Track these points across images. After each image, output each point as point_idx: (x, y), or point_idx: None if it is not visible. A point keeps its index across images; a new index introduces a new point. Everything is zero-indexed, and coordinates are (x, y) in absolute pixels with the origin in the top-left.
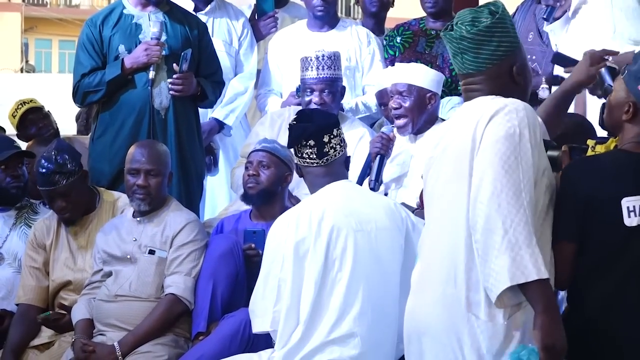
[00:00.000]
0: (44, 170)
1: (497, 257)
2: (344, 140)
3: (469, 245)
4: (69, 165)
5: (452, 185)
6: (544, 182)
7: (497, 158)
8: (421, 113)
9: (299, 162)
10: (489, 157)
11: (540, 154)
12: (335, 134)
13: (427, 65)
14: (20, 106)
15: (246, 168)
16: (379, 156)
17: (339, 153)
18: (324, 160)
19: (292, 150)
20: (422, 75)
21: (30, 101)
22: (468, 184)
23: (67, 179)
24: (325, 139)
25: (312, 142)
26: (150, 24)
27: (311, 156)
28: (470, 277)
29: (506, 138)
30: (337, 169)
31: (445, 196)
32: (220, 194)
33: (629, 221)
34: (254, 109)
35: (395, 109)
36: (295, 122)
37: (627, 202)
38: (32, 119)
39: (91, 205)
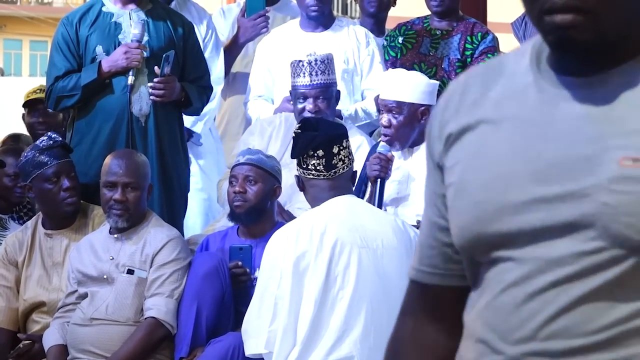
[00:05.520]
0: (50, 143)
1: None
2: (351, 153)
3: None
4: (68, 147)
5: None
6: None
7: None
8: (412, 129)
9: (302, 174)
10: None
11: None
12: (344, 146)
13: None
14: (37, 91)
15: (231, 183)
16: (379, 180)
17: (347, 167)
18: (332, 173)
19: (295, 160)
20: (413, 90)
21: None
22: None
23: (69, 157)
24: (335, 150)
25: (320, 153)
26: (131, 23)
27: (318, 167)
28: None
29: None
30: (344, 183)
31: None
32: (193, 209)
33: None
34: (241, 117)
35: (385, 127)
36: (300, 131)
37: None
38: (39, 109)
39: (69, 219)
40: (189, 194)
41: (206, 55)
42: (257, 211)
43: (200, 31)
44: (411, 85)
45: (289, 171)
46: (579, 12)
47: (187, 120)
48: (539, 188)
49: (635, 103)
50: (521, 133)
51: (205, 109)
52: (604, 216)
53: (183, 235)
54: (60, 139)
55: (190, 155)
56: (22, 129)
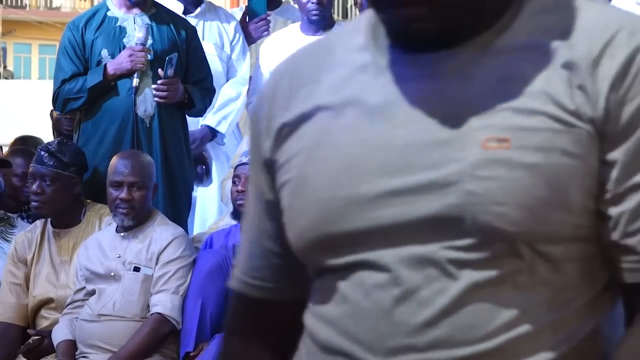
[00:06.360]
0: (41, 148)
1: None
2: None
3: None
4: (65, 159)
5: None
6: None
7: None
8: None
9: None
10: None
11: None
12: None
13: None
14: None
15: (234, 182)
16: None
17: None
18: None
19: None
20: None
21: None
22: None
23: (55, 167)
24: None
25: None
26: (136, 27)
27: None
28: None
29: None
30: None
31: None
32: (211, 207)
33: None
34: (245, 118)
35: None
36: None
37: None
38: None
39: (76, 218)
40: (208, 194)
41: (234, 57)
42: None
43: (228, 34)
44: None
45: None
46: (419, 3)
47: (213, 120)
48: (392, 180)
49: (493, 78)
50: (366, 119)
51: (230, 109)
52: (471, 207)
53: (187, 234)
54: (55, 148)
55: (212, 156)
56: (31, 130)
